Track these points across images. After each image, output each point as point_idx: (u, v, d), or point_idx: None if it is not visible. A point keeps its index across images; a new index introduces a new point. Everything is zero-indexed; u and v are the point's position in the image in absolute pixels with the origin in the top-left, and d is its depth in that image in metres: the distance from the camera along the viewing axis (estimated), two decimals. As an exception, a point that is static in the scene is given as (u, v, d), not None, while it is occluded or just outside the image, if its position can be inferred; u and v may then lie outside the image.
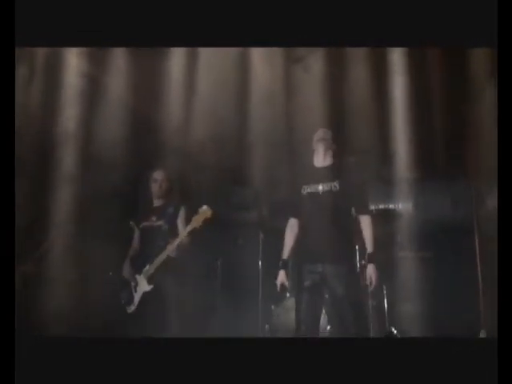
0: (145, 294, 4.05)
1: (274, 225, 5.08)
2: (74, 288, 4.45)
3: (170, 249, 4.02)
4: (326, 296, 3.53)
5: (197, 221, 3.99)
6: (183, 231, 4.06)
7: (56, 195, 4.59)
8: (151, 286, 4.03)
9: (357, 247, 4.18)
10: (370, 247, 3.56)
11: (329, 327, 4.37)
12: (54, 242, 4.57)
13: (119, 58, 4.67)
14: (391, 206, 5.76)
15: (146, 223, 4.26)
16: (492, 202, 4.75)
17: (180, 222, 4.19)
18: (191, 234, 4.03)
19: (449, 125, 5.08)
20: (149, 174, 4.37)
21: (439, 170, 5.47)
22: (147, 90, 4.87)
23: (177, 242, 4.02)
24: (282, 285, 3.72)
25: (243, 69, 4.72)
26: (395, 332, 4.74)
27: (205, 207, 4.02)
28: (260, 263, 5.38)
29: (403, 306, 4.80)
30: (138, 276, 4.11)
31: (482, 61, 4.44)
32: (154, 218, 4.23)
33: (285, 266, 3.74)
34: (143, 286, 4.07)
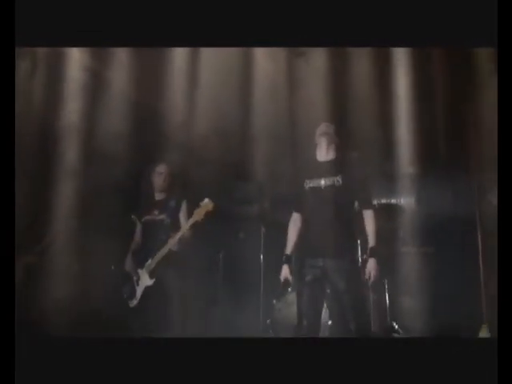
0: (147, 288, 4.06)
1: (275, 219, 5.07)
2: (76, 282, 4.45)
3: (172, 242, 4.03)
4: (328, 290, 3.52)
5: (198, 214, 3.99)
6: (185, 225, 4.06)
7: (58, 189, 4.59)
8: (153, 280, 4.03)
9: (359, 241, 4.19)
10: (372, 241, 3.55)
11: (330, 322, 4.37)
12: (56, 236, 4.58)
13: (122, 52, 4.66)
14: (393, 201, 5.75)
15: (147, 217, 4.27)
16: (494, 198, 4.73)
17: (182, 215, 4.19)
18: (193, 227, 4.03)
19: (451, 119, 5.07)
20: (151, 168, 4.38)
21: (442, 165, 5.45)
22: (150, 84, 4.86)
23: (179, 235, 4.02)
24: (286, 280, 3.71)
25: (246, 63, 4.71)
26: (396, 327, 4.75)
27: (206, 200, 4.02)
28: (262, 257, 5.38)
29: (405, 301, 4.80)
30: (140, 270, 4.12)
31: (484, 60, 4.42)
32: (156, 212, 4.24)
33: (288, 260, 3.72)
34: (145, 280, 4.07)
